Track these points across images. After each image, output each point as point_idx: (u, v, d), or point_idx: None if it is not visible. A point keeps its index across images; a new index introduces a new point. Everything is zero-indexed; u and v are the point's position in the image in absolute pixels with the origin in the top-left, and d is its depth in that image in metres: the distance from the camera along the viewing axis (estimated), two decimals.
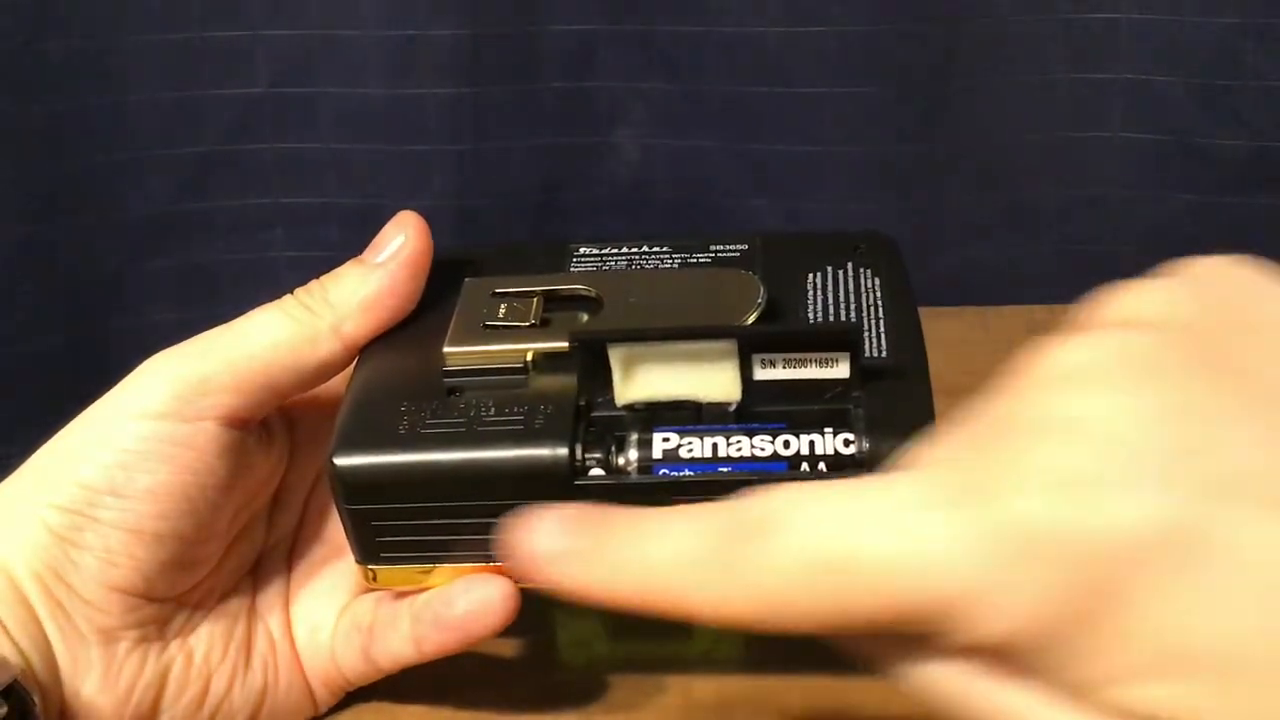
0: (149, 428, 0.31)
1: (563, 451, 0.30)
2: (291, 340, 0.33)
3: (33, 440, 0.33)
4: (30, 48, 0.52)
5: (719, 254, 0.36)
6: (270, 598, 0.36)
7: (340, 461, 0.31)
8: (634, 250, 0.37)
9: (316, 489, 0.37)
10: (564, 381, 0.32)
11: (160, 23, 0.53)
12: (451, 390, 0.32)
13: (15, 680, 0.29)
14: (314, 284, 0.34)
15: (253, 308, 0.34)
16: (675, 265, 0.36)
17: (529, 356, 0.32)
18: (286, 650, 0.35)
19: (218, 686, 0.33)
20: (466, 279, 0.35)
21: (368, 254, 0.34)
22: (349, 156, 0.56)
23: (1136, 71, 0.55)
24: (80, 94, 0.54)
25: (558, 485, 0.30)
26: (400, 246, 0.34)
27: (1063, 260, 0.61)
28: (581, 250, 0.37)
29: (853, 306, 0.33)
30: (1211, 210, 0.58)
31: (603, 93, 0.56)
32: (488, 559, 0.32)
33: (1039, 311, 0.54)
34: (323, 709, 0.36)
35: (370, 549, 0.33)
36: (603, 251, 0.36)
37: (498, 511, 0.31)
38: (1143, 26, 0.55)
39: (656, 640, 0.39)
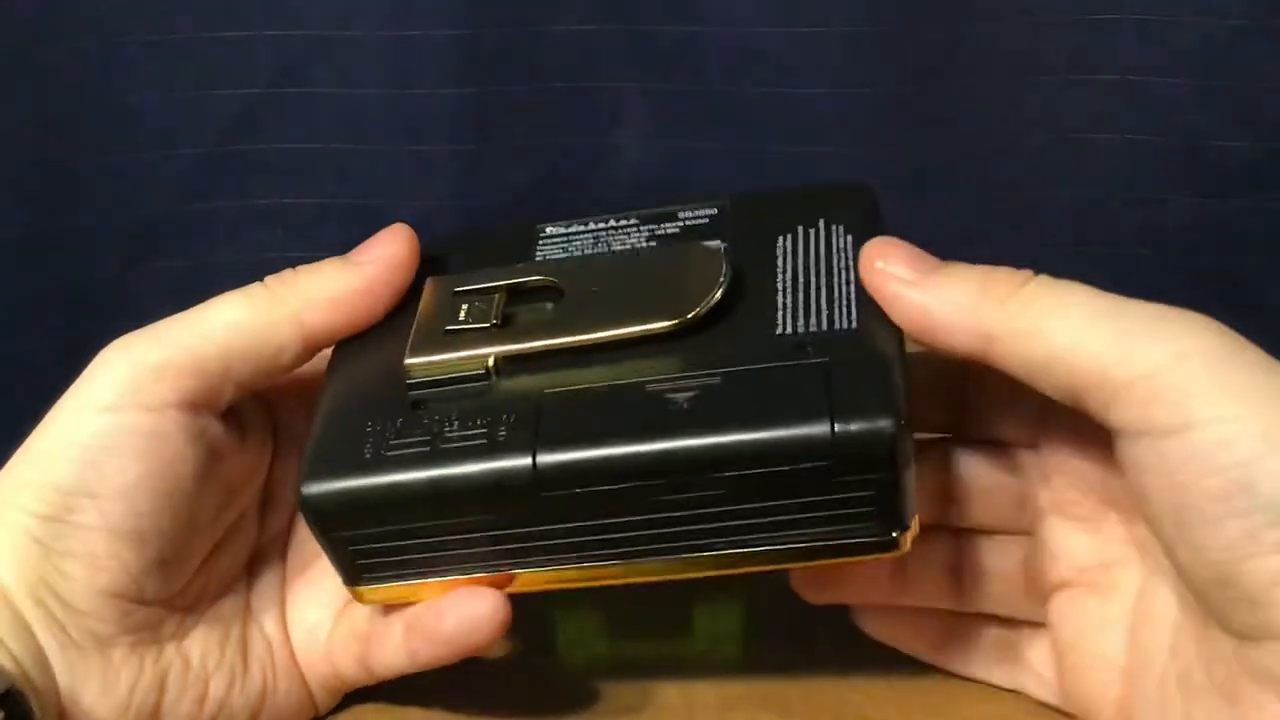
0: (112, 421, 0.31)
1: (525, 462, 0.30)
2: (248, 324, 0.32)
3: None
4: (30, 48, 0.52)
5: (688, 222, 0.35)
6: (265, 599, 0.35)
7: (308, 491, 0.31)
8: (600, 226, 0.35)
9: None
10: (526, 383, 0.31)
11: (160, 23, 0.53)
12: (416, 404, 0.32)
13: (11, 686, 0.29)
14: (288, 271, 0.34)
15: None
16: (643, 240, 0.34)
17: (490, 362, 0.32)
18: (284, 653, 0.35)
19: (217, 689, 0.33)
20: (428, 278, 0.34)
21: (353, 253, 0.34)
22: (349, 156, 0.56)
23: (1136, 72, 0.55)
24: (80, 94, 0.54)
25: (524, 497, 0.30)
26: (383, 253, 0.34)
27: (1063, 260, 0.60)
28: (548, 230, 0.35)
29: (823, 271, 0.32)
30: (1212, 210, 0.58)
31: (603, 93, 0.56)
32: (471, 571, 0.32)
33: None
34: (323, 710, 0.36)
35: (352, 571, 0.32)
36: (569, 230, 0.35)
37: (472, 526, 0.31)
38: (1143, 26, 0.55)
39: (656, 640, 0.39)
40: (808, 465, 0.29)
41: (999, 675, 0.35)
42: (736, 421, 0.29)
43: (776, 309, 0.31)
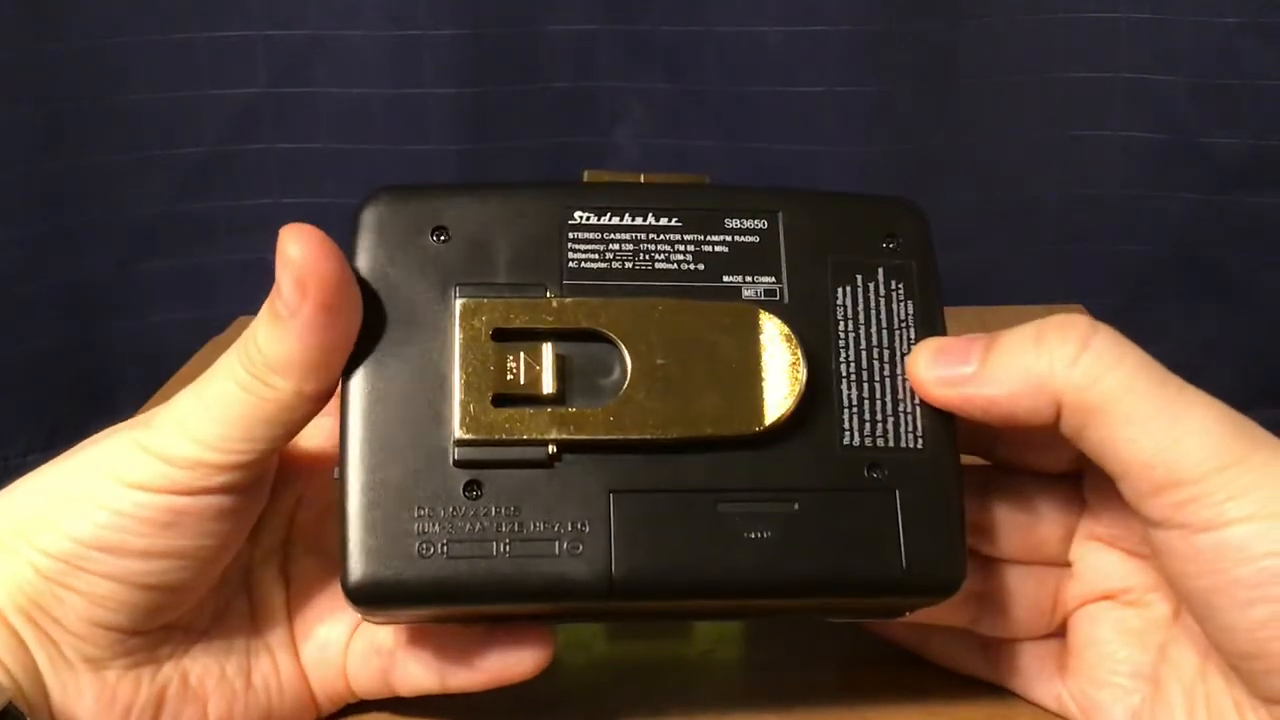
0: (143, 497, 0.30)
1: (601, 575, 0.30)
2: (269, 417, 0.31)
3: (32, 440, 0.33)
4: (30, 48, 0.52)
5: (736, 237, 0.33)
6: (269, 615, 0.35)
7: (358, 582, 0.30)
8: (639, 224, 0.33)
9: (301, 504, 0.36)
10: (590, 474, 0.30)
11: (160, 23, 0.53)
12: (469, 485, 0.30)
13: (10, 704, 0.29)
14: (251, 345, 0.30)
15: (252, 308, 0.33)
16: (688, 256, 0.32)
17: (551, 449, 0.30)
18: (291, 668, 0.34)
19: (218, 706, 0.33)
20: (460, 300, 0.31)
21: (276, 295, 0.30)
22: (349, 156, 0.56)
23: (1136, 71, 0.55)
24: (80, 94, 0.54)
25: (595, 600, 0.30)
26: (299, 295, 0.29)
27: (1063, 260, 0.61)
28: (578, 217, 0.32)
29: (885, 356, 0.32)
30: (1211, 210, 0.58)
31: (603, 93, 0.56)
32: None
33: (1038, 311, 0.54)
34: (324, 716, 0.36)
35: (389, 624, 0.33)
36: (603, 224, 0.33)
37: (532, 612, 0.31)
38: (1143, 26, 0.55)
39: (656, 640, 0.39)
40: (876, 594, 0.31)
41: (1001, 677, 0.35)
42: (812, 562, 0.30)
43: (843, 407, 0.31)
